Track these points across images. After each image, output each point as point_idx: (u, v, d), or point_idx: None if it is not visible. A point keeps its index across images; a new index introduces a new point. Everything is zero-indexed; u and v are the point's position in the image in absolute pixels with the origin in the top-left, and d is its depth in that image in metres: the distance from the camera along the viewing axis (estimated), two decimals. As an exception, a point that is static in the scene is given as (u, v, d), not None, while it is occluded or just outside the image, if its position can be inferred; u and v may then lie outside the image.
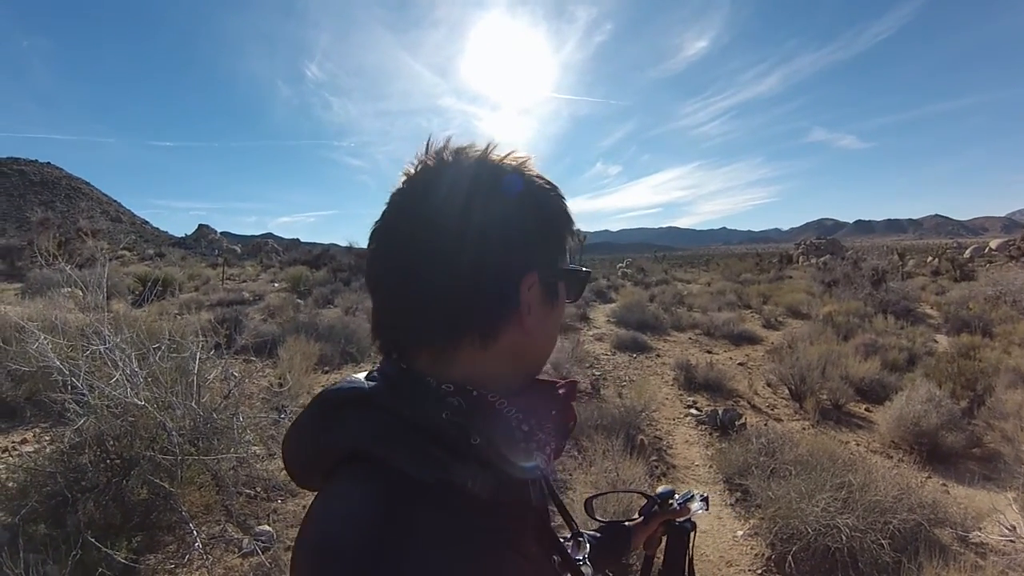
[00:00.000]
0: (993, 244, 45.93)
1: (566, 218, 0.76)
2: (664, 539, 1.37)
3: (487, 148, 0.72)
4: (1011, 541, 3.81)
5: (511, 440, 0.66)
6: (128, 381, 3.87)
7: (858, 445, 6.37)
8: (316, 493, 0.67)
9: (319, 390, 0.71)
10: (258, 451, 4.37)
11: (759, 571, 3.92)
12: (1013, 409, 6.11)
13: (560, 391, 0.77)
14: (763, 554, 4.04)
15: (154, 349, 4.24)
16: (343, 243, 25.22)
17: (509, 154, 0.73)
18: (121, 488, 3.54)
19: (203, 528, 3.71)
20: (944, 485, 5.39)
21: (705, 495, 1.42)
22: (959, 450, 5.96)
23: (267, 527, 3.88)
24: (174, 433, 3.69)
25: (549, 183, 0.75)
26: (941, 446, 5.94)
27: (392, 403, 0.65)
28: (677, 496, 1.39)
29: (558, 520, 1.01)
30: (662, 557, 1.36)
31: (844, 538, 3.72)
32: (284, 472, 4.10)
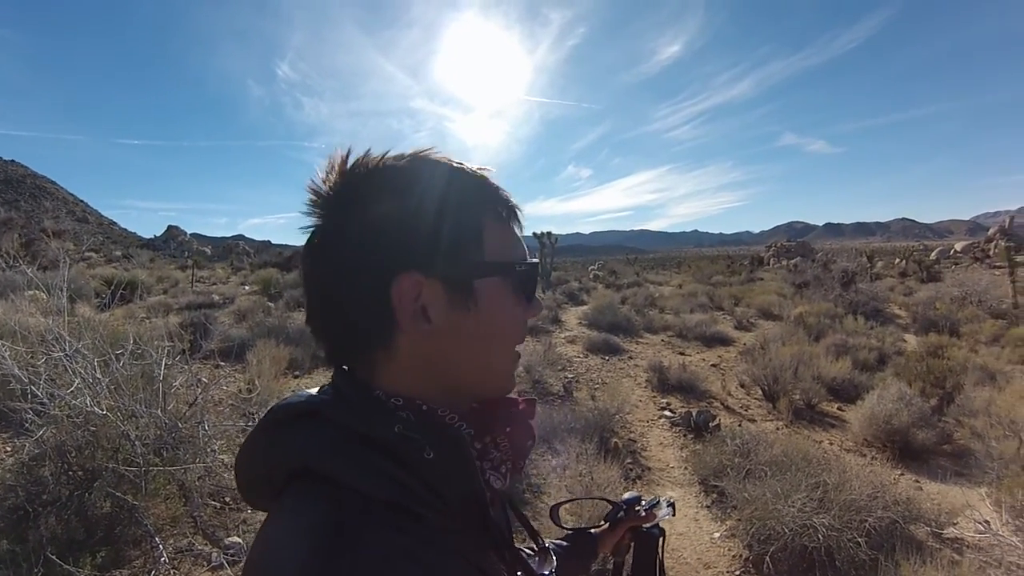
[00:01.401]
0: (958, 246, 47.71)
1: (481, 203, 0.70)
2: (632, 545, 1.38)
3: (384, 153, 0.70)
4: (986, 536, 3.95)
5: (464, 457, 0.64)
6: (90, 389, 3.77)
7: (832, 444, 6.55)
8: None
9: (272, 403, 0.70)
10: (226, 460, 4.28)
11: (737, 572, 3.99)
12: (982, 406, 6.36)
13: (517, 408, 0.76)
14: (741, 555, 4.11)
15: (117, 355, 4.13)
16: None
17: (420, 151, 0.70)
18: (84, 501, 3.45)
19: (170, 541, 3.62)
20: (917, 482, 5.58)
21: (671, 500, 1.44)
22: (930, 447, 6.18)
23: (236, 538, 3.80)
24: (138, 443, 3.61)
25: (459, 168, 0.70)
26: (913, 443, 6.16)
27: (343, 417, 0.64)
28: (643, 502, 1.40)
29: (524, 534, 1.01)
30: (631, 564, 1.37)
31: (821, 537, 3.81)
32: None
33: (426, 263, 0.65)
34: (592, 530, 1.35)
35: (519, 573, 0.71)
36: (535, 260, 0.76)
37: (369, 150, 0.70)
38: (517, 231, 0.75)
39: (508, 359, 0.74)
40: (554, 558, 1.02)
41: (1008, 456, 5.19)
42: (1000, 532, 3.88)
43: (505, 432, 0.73)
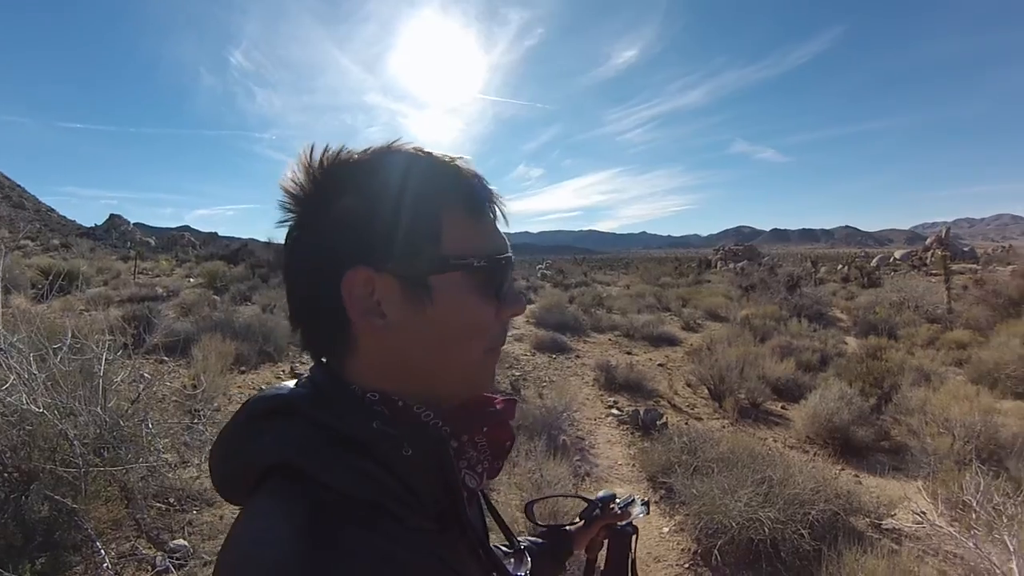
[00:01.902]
0: (897, 254, 50.09)
1: (441, 194, 0.68)
2: (605, 543, 1.39)
3: (345, 149, 0.69)
4: (923, 526, 4.14)
5: (443, 456, 0.64)
6: (25, 385, 3.62)
7: (776, 441, 6.76)
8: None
9: (247, 396, 0.68)
10: (170, 459, 4.14)
11: (686, 565, 4.07)
12: (917, 405, 6.67)
13: (495, 407, 0.75)
14: (689, 549, 4.19)
15: (55, 349, 3.98)
16: (262, 238, 24.91)
17: (387, 144, 0.69)
18: (20, 505, 3.30)
19: (112, 546, 3.50)
20: (857, 476, 5.80)
21: (646, 499, 1.46)
22: (869, 443, 6.46)
23: (182, 541, 3.69)
24: (77, 443, 3.47)
25: (421, 157, 0.68)
26: (853, 440, 6.43)
27: (320, 413, 0.63)
28: (618, 500, 1.42)
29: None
30: (603, 561, 1.38)
31: (766, 530, 3.93)
32: (198, 481, 3.87)
33: (379, 258, 0.64)
34: (567, 527, 1.36)
35: (494, 574, 0.70)
36: (504, 255, 0.71)
37: (339, 146, 0.68)
38: (487, 224, 0.72)
39: (472, 359, 0.70)
40: (529, 559, 1.04)
41: (942, 451, 5.46)
42: (936, 522, 4.07)
43: (482, 432, 0.73)
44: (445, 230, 0.66)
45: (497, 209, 0.73)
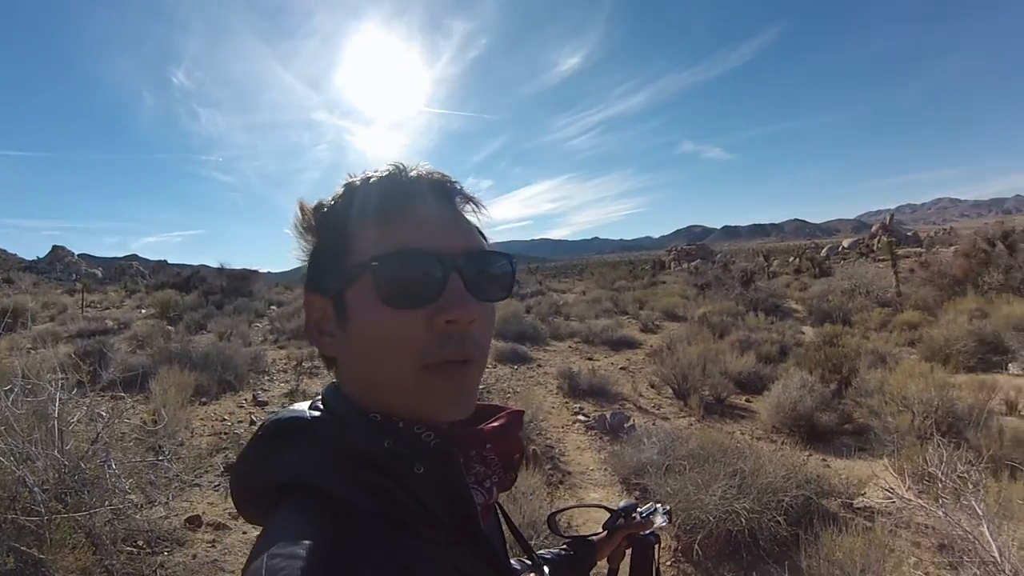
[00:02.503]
0: (845, 243, 52.00)
1: (350, 207, 0.70)
2: (628, 552, 1.40)
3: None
4: (893, 501, 4.29)
5: (454, 472, 0.65)
6: None
7: (743, 434, 6.94)
8: (257, 530, 0.66)
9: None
10: (136, 499, 3.98)
11: (668, 563, 4.12)
12: (876, 386, 6.94)
13: (497, 423, 0.76)
14: (670, 546, 4.24)
15: (6, 391, 3.82)
16: (214, 264, 24.33)
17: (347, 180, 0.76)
18: None
19: None
20: (825, 460, 5.99)
21: (668, 508, 1.48)
22: (833, 428, 6.71)
23: None
24: (37, 489, 3.33)
25: (346, 185, 0.72)
26: (817, 426, 6.66)
27: (334, 432, 0.67)
28: (640, 509, 1.45)
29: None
30: (628, 570, 1.40)
31: (743, 521, 4.03)
32: (167, 520, 3.74)
33: (314, 284, 0.72)
34: (591, 538, 1.37)
35: None
36: (411, 248, 0.65)
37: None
38: (404, 224, 0.67)
39: (403, 380, 0.64)
40: (547, 572, 1.06)
41: (904, 428, 5.69)
42: (905, 496, 4.25)
43: (485, 446, 0.73)
44: (356, 242, 0.67)
45: (430, 202, 0.69)
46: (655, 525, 1.43)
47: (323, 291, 0.70)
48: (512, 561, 0.97)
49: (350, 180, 0.72)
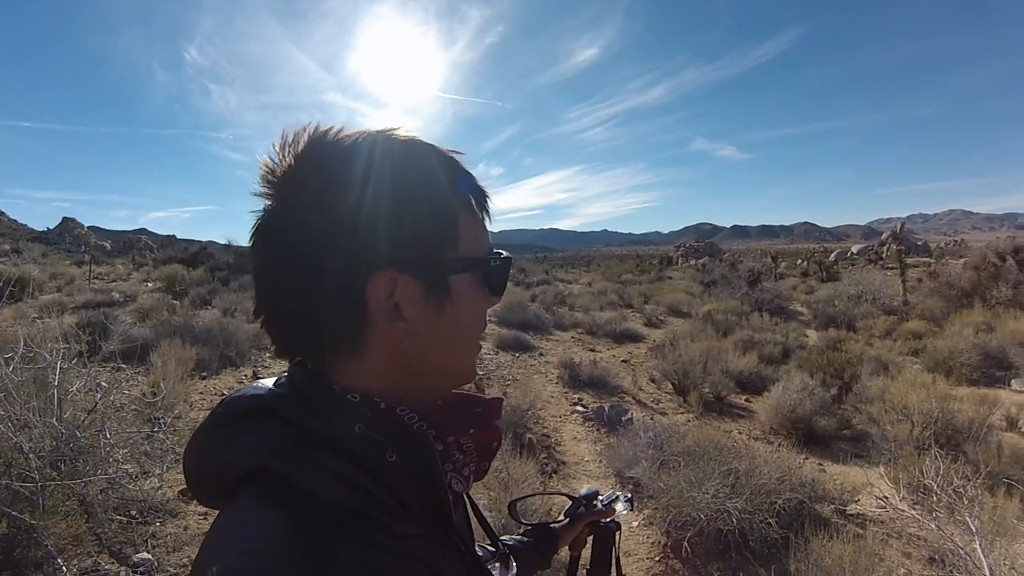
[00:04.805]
0: (855, 249, 51.76)
1: (456, 194, 0.67)
2: (589, 539, 1.41)
3: (339, 129, 0.65)
4: (886, 510, 4.27)
5: (429, 461, 0.62)
6: None
7: (740, 433, 6.93)
8: (217, 513, 0.62)
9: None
10: (130, 470, 4.01)
11: (656, 558, 4.12)
12: (876, 394, 6.91)
13: (482, 407, 0.75)
14: (659, 542, 4.25)
15: (7, 359, 3.83)
16: (221, 240, 24.58)
17: (385, 130, 0.66)
18: None
19: (73, 562, 3.38)
20: (820, 465, 5.98)
21: (629, 496, 1.48)
22: (831, 432, 6.68)
23: (146, 554, 3.59)
24: (32, 456, 3.34)
25: (432, 153, 0.67)
26: (815, 430, 6.64)
27: (301, 415, 0.61)
28: (602, 497, 1.44)
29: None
30: (590, 557, 1.39)
31: (734, 520, 4.01)
32: (160, 491, 3.77)
33: (400, 259, 0.62)
34: (552, 525, 1.37)
35: None
36: (507, 255, 0.73)
37: (331, 127, 0.65)
38: (487, 222, 0.73)
39: (475, 351, 0.73)
40: (514, 564, 1.06)
41: (902, 438, 5.65)
42: (899, 506, 4.22)
43: (468, 433, 0.72)
44: (461, 231, 0.66)
45: (490, 208, 0.73)
46: (616, 513, 1.44)
47: (403, 268, 0.62)
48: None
49: (412, 138, 0.66)
